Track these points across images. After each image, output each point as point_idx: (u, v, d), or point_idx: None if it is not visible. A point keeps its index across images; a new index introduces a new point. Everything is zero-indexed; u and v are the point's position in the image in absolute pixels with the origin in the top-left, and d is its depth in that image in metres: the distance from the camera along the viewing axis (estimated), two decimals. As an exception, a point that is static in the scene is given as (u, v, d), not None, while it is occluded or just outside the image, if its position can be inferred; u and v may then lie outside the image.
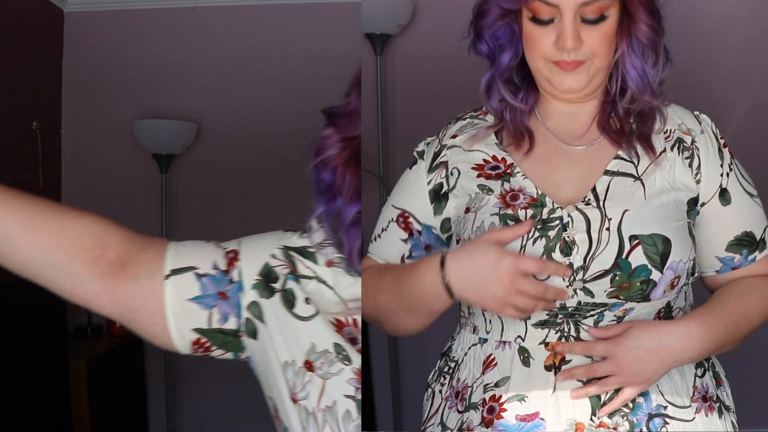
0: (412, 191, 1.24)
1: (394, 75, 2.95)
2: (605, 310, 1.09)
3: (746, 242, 1.17)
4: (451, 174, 1.21)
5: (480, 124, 1.23)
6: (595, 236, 1.10)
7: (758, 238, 1.17)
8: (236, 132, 3.04)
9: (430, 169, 1.23)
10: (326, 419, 0.87)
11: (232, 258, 0.92)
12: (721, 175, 1.17)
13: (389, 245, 1.23)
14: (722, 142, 1.19)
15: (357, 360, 0.89)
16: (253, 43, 3.04)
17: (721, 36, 2.74)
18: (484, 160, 1.20)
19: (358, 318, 0.92)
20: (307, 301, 0.90)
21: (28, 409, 2.27)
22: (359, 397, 0.87)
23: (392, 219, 1.23)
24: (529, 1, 1.10)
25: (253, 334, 0.91)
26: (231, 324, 0.91)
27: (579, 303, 1.09)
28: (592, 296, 1.08)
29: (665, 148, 1.16)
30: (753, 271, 1.18)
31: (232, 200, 3.05)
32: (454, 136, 1.24)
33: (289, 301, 0.90)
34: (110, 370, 2.75)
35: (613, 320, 1.11)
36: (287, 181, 2.59)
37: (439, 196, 1.22)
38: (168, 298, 0.90)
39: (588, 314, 1.10)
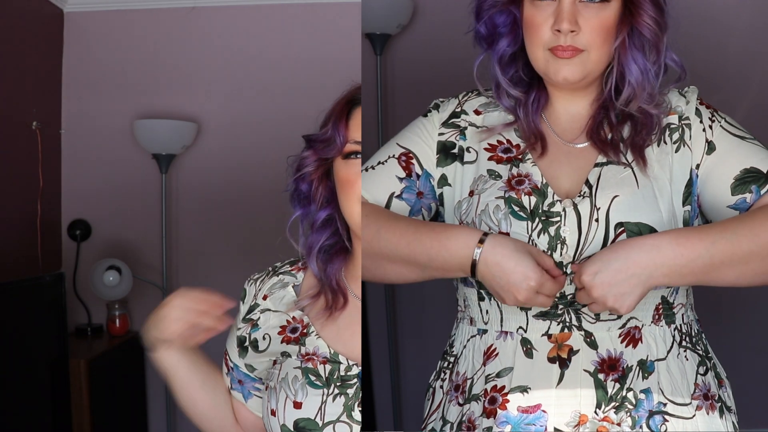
0: (423, 136, 1.23)
1: (394, 75, 2.95)
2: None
3: (750, 178, 1.11)
4: (468, 151, 1.21)
5: (500, 106, 1.23)
6: (585, 228, 1.10)
7: (766, 171, 1.11)
8: (236, 132, 3.04)
9: (445, 124, 1.23)
10: (282, 386, 1.15)
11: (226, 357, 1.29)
12: (704, 130, 1.14)
13: (381, 179, 1.21)
14: (698, 101, 1.17)
15: (294, 350, 1.18)
16: (253, 43, 3.04)
17: (729, 21, 2.72)
18: (498, 141, 1.20)
19: (297, 314, 1.21)
20: (264, 338, 1.21)
21: (28, 409, 2.27)
22: (308, 365, 1.15)
23: (393, 155, 1.22)
24: None
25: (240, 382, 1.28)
26: (237, 388, 1.28)
27: (576, 290, 1.09)
28: None
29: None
30: None
31: (232, 200, 3.05)
32: (477, 112, 1.23)
33: (255, 346, 1.22)
34: (110, 370, 2.75)
35: (611, 312, 1.11)
36: (287, 182, 2.58)
37: (446, 152, 1.21)
38: (234, 398, 1.30)
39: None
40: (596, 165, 1.14)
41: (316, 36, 3.00)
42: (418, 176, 1.20)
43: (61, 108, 3.06)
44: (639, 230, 1.08)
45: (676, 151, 1.14)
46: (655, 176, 1.12)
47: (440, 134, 1.22)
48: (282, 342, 1.19)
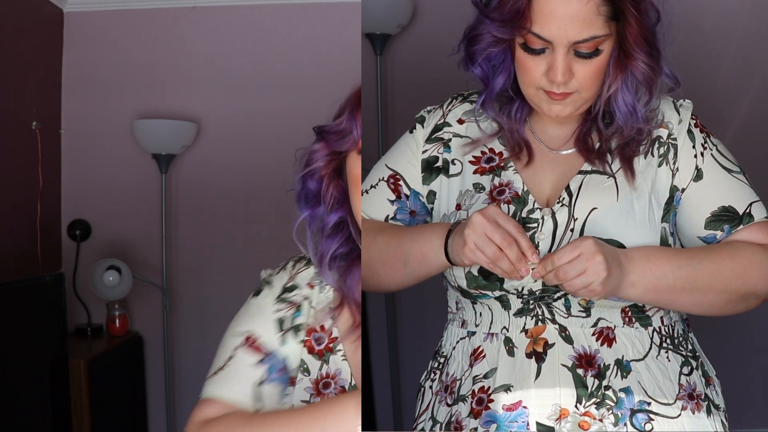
0: (407, 156, 1.25)
1: (394, 75, 2.95)
2: (569, 294, 1.11)
3: (726, 217, 1.13)
4: (453, 163, 1.22)
5: (483, 114, 1.23)
6: (559, 236, 1.12)
7: (741, 213, 1.13)
8: (236, 132, 3.04)
9: (428, 140, 1.25)
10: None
11: None
12: (695, 156, 1.15)
13: (375, 203, 1.24)
14: (693, 122, 1.18)
15: (315, 365, 1.08)
16: (253, 43, 3.04)
17: (724, 30, 2.73)
18: (482, 152, 1.21)
19: (326, 323, 1.09)
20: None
21: (28, 409, 2.27)
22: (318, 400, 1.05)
23: (383, 178, 1.25)
24: (521, 32, 1.09)
25: None
26: None
27: (544, 284, 1.11)
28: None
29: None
30: (741, 236, 1.13)
31: (232, 200, 3.05)
32: (460, 121, 1.24)
33: (297, 331, 1.10)
34: (110, 370, 2.75)
35: (581, 309, 1.13)
36: (287, 181, 2.58)
37: (430, 168, 1.24)
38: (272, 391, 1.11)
39: (556, 296, 1.12)
40: (580, 172, 1.16)
41: (316, 36, 3.00)
42: (407, 196, 1.24)
43: (61, 108, 3.06)
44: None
45: (659, 165, 1.15)
46: (638, 187, 1.14)
47: (424, 151, 1.24)
48: (303, 346, 1.08)
